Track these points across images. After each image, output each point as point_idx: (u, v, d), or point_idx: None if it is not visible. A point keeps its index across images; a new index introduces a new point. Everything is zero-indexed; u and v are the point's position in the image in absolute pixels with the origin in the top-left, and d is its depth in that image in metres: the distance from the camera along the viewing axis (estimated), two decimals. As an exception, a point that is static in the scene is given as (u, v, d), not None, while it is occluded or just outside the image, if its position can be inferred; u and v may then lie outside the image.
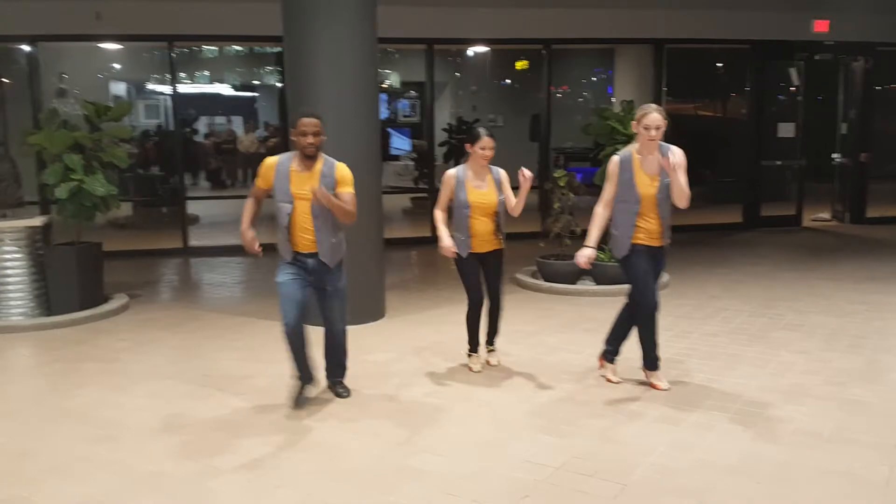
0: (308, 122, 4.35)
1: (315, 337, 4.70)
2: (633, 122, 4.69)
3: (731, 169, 12.35)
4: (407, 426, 4.37)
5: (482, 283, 5.17)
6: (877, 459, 3.85)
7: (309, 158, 4.40)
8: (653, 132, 4.54)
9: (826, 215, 12.84)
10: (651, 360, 4.92)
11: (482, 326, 5.32)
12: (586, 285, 7.73)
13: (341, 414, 4.58)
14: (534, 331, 6.31)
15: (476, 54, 14.02)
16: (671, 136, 4.74)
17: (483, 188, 5.01)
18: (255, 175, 4.59)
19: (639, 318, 4.83)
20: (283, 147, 10.44)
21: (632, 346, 5.00)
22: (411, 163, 14.23)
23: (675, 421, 4.38)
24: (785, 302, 7.15)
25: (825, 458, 3.86)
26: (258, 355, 5.78)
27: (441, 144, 12.66)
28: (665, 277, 7.68)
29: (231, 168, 15.47)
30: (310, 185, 4.35)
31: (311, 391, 4.77)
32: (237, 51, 14.71)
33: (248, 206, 4.57)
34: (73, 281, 6.95)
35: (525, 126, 13.33)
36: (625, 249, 4.67)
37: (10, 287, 6.76)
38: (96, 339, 6.30)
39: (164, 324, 6.77)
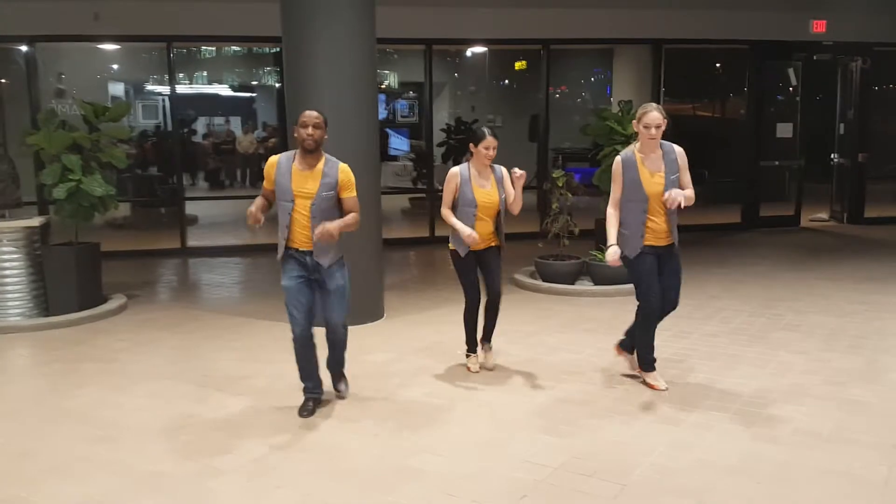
0: (308, 114, 4.33)
1: (317, 338, 4.68)
2: (634, 122, 4.71)
3: (730, 169, 12.36)
4: (407, 426, 4.37)
5: (480, 282, 5.18)
6: (876, 459, 3.85)
7: (309, 153, 4.34)
8: (653, 131, 4.55)
9: (824, 215, 12.85)
10: (646, 362, 4.92)
11: (480, 323, 5.32)
12: (585, 285, 7.73)
13: (341, 414, 4.58)
14: (533, 331, 6.31)
15: (475, 54, 14.02)
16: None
17: (487, 187, 5.02)
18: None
19: (638, 318, 4.85)
20: (282, 147, 10.45)
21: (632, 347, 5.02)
22: (410, 163, 14.22)
23: (674, 421, 4.38)
24: (784, 302, 7.16)
25: (825, 458, 3.87)
26: (257, 355, 5.78)
27: (440, 145, 12.65)
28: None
29: (230, 168, 15.43)
30: (311, 183, 4.32)
31: (319, 404, 4.65)
32: (236, 51, 14.69)
33: (259, 199, 4.46)
34: (72, 281, 6.95)
35: (524, 126, 13.33)
36: (637, 249, 4.67)
37: (9, 287, 6.75)
38: (95, 340, 6.29)
39: (162, 324, 6.76)
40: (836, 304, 7.07)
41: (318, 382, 4.64)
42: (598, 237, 8.19)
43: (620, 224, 4.74)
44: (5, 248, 6.74)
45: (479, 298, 5.20)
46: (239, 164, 15.13)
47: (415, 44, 10.93)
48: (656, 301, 4.73)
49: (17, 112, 9.79)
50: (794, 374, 5.16)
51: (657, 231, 4.68)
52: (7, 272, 6.75)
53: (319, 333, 4.56)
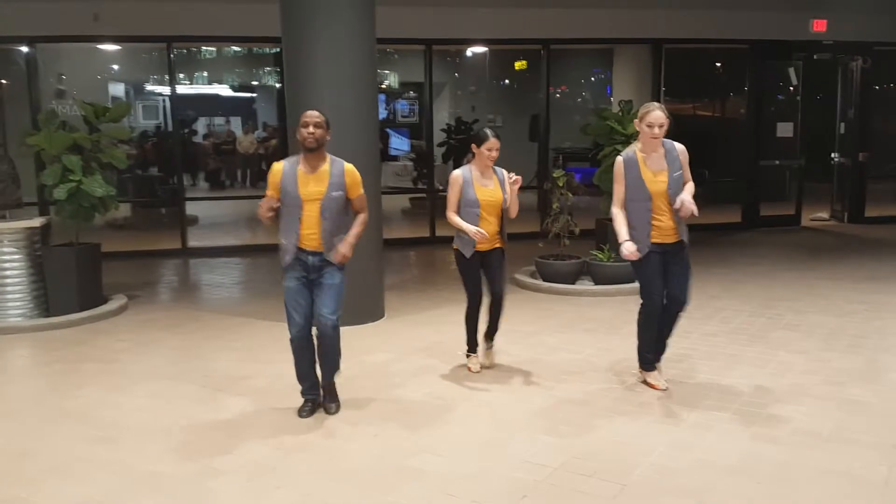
0: (309, 114, 4.31)
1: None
2: (636, 121, 4.69)
3: (731, 169, 12.36)
4: (407, 426, 4.37)
5: (483, 282, 5.18)
6: (876, 459, 3.85)
7: (310, 152, 4.31)
8: (656, 130, 4.54)
9: (825, 215, 12.84)
10: (646, 361, 4.93)
11: (481, 324, 5.32)
12: (585, 285, 7.73)
13: (341, 414, 4.57)
14: (533, 331, 6.32)
15: (475, 54, 14.02)
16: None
17: (490, 186, 5.03)
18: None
19: (641, 317, 4.85)
20: (281, 147, 10.46)
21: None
22: (410, 163, 14.23)
23: (674, 421, 4.38)
24: (784, 302, 7.16)
25: (824, 458, 3.87)
26: (257, 356, 5.78)
27: (440, 145, 12.66)
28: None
29: (230, 169, 15.45)
30: (318, 185, 4.29)
31: (317, 405, 4.62)
32: (236, 52, 14.70)
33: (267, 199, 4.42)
34: (72, 282, 6.95)
35: (524, 126, 13.33)
36: (644, 248, 4.67)
37: (9, 288, 6.76)
38: (95, 340, 6.30)
39: (163, 324, 6.76)
40: (836, 303, 7.06)
41: (315, 383, 4.61)
42: (598, 237, 8.19)
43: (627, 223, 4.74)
44: (6, 249, 6.74)
45: (481, 299, 5.20)
46: (239, 165, 15.14)
47: (415, 44, 10.92)
48: (659, 300, 4.75)
49: (17, 113, 9.79)
50: (793, 374, 5.16)
51: (663, 229, 4.68)
52: (8, 273, 6.75)
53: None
